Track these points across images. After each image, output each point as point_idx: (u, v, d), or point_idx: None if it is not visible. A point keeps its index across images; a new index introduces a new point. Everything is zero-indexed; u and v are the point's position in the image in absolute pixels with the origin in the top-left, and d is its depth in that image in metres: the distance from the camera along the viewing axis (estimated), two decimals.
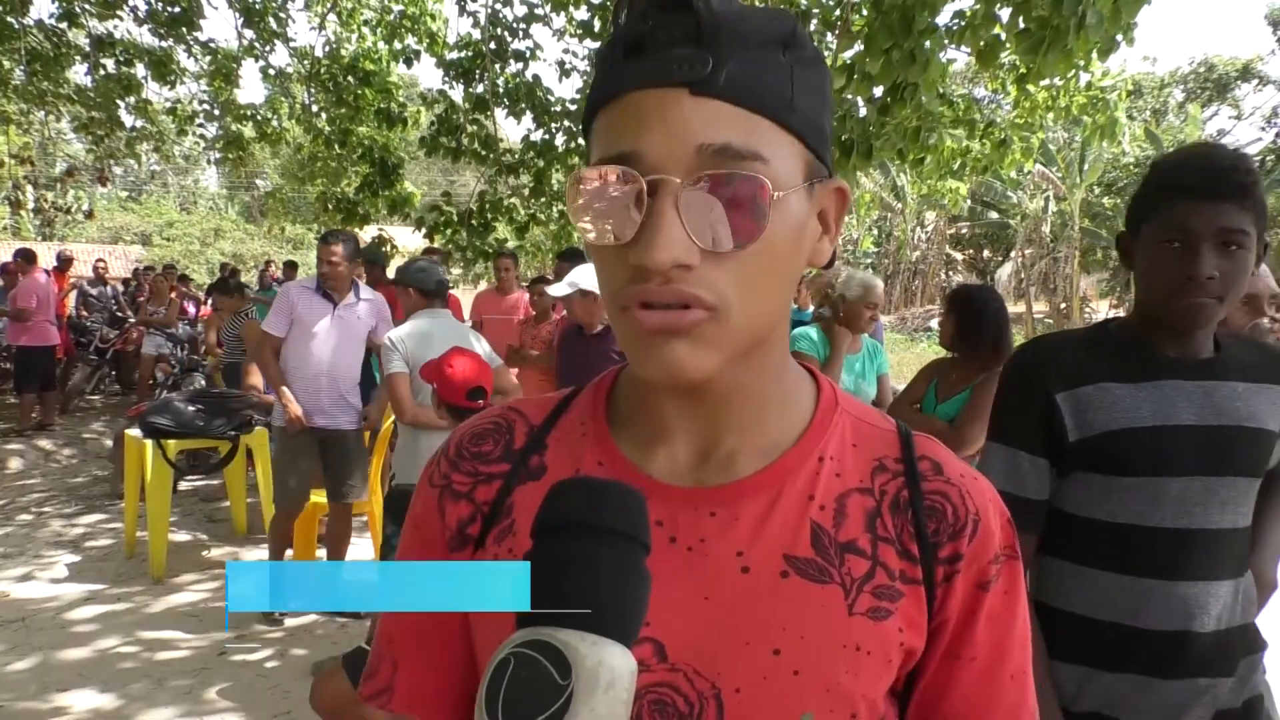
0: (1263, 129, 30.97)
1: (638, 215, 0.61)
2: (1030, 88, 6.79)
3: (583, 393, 0.82)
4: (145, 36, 9.22)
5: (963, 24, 4.89)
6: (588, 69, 8.92)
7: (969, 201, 24.73)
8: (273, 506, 5.35)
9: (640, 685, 0.67)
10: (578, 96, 8.92)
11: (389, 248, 9.24)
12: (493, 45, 8.49)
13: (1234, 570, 1.50)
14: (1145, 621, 1.47)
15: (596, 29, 8.42)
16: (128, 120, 10.07)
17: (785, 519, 0.70)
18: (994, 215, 27.05)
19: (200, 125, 10.61)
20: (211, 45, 9.44)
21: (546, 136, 8.86)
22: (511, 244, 9.34)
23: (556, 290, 4.28)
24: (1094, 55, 3.94)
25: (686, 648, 0.68)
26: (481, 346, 4.00)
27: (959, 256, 32.28)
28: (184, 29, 8.75)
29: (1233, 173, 1.42)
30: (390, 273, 5.52)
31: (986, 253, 30.95)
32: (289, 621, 4.35)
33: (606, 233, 0.63)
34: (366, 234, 9.76)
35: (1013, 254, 27.71)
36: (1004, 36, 4.25)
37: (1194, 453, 1.46)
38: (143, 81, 9.40)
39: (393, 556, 3.31)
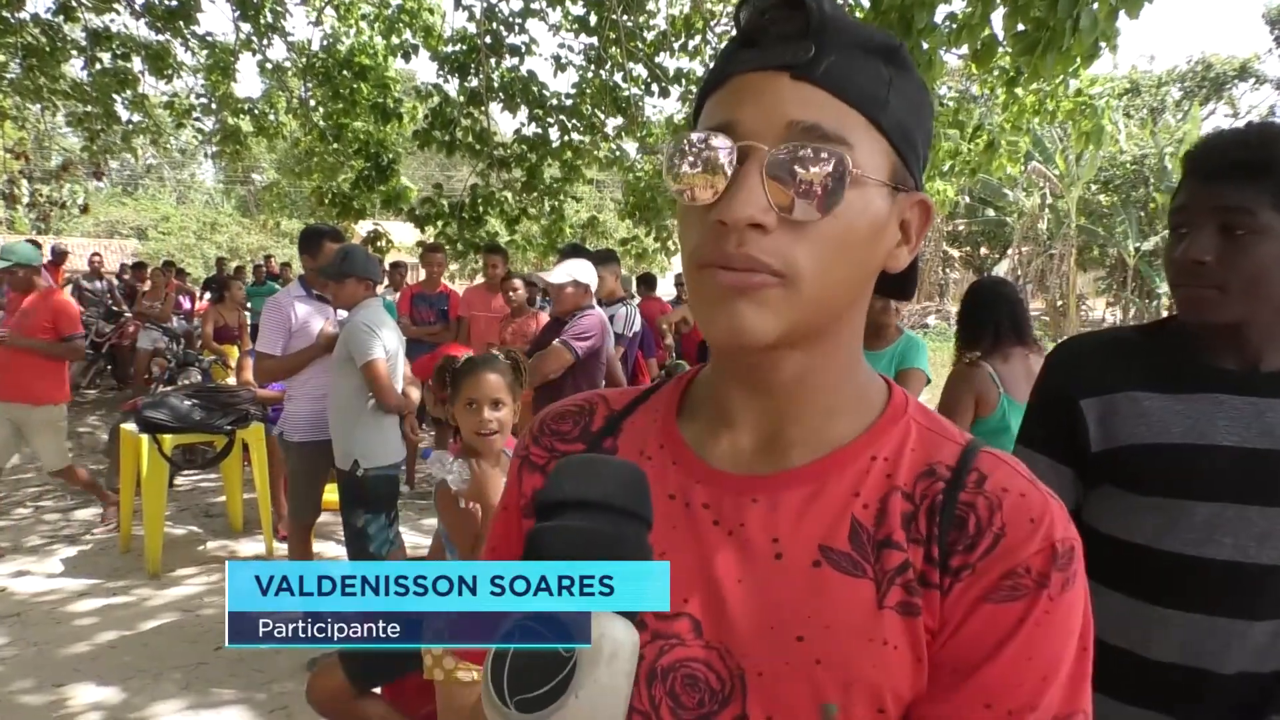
0: None
1: (725, 178, 0.66)
2: (1019, 91, 6.79)
3: (665, 384, 0.86)
4: (142, 30, 9.20)
5: (954, 26, 4.89)
6: (583, 63, 8.93)
7: (966, 199, 24.81)
8: (269, 505, 5.39)
9: (674, 658, 0.69)
10: (573, 91, 8.92)
11: (384, 242, 9.23)
12: (488, 39, 8.48)
13: (1277, 610, 1.31)
14: (1156, 653, 1.34)
15: (592, 23, 8.42)
16: (124, 114, 10.05)
17: (826, 511, 0.71)
18: (991, 213, 27.06)
19: (197, 119, 10.59)
20: (209, 39, 9.42)
21: (540, 131, 8.87)
22: (503, 238, 9.34)
23: (553, 277, 4.33)
24: (1078, 61, 3.91)
25: (721, 627, 0.70)
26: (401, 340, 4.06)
27: (956, 254, 32.28)
28: (181, 23, 8.72)
29: (1238, 148, 1.26)
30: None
31: (984, 250, 30.96)
32: None
33: (694, 192, 0.68)
34: (361, 229, 9.77)
35: (1009, 251, 27.74)
36: (1001, 37, 4.25)
37: (1228, 477, 1.29)
38: (139, 75, 9.38)
39: (366, 547, 3.30)
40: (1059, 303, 24.57)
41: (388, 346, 3.75)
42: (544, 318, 6.14)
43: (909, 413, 0.77)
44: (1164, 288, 23.87)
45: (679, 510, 0.74)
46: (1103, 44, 3.63)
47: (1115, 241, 24.12)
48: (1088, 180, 23.66)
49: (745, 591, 0.70)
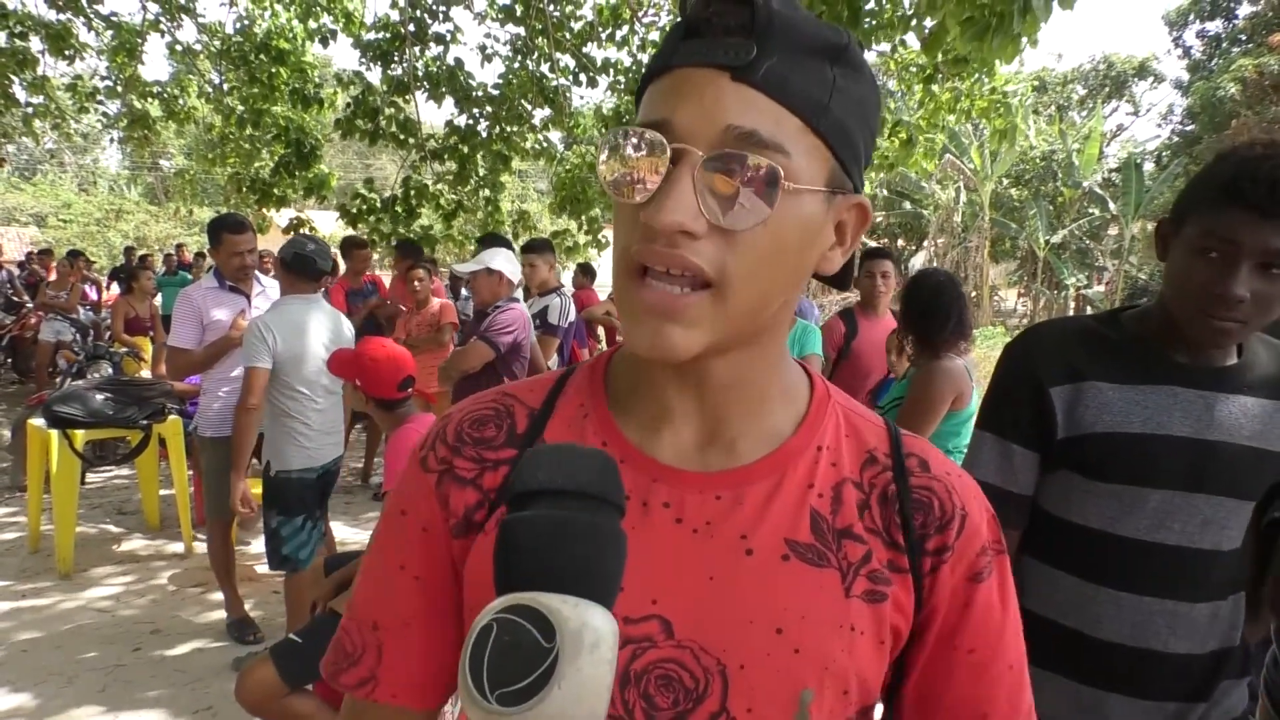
0: (1159, 125, 32.51)
1: (657, 179, 0.64)
2: (935, 88, 6.94)
3: (576, 373, 0.84)
4: (41, 8, 8.76)
5: (876, 22, 4.97)
6: (509, 54, 8.82)
7: (885, 192, 25.35)
8: (187, 502, 5.23)
9: (647, 661, 0.69)
10: (500, 81, 8.82)
11: (307, 230, 8.96)
12: (412, 27, 8.32)
13: (1214, 593, 1.41)
14: (1106, 633, 1.42)
15: (519, 13, 8.33)
16: (22, 97, 9.54)
17: (787, 505, 0.74)
18: (908, 206, 27.69)
19: (101, 102, 10.14)
20: (113, 19, 9.02)
21: (470, 122, 8.74)
22: (439, 232, 9.20)
23: (464, 267, 4.37)
24: (1024, 44, 3.97)
25: (693, 625, 0.70)
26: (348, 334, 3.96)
27: (874, 245, 32.90)
28: (83, 1, 8.33)
29: None
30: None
31: (901, 242, 31.68)
32: (207, 616, 4.27)
33: (626, 190, 0.67)
34: (283, 217, 9.48)
35: (926, 243, 28.42)
36: (949, 23, 4.25)
37: (1179, 466, 1.37)
38: (39, 56, 8.93)
39: (278, 548, 3.30)
40: (973, 293, 25.31)
41: (281, 352, 3.59)
42: (447, 306, 6.16)
43: (832, 397, 0.81)
44: (1071, 279, 24.95)
45: (636, 509, 0.73)
46: (1024, 38, 3.72)
47: (1026, 234, 25.00)
48: (1000, 174, 24.42)
49: (719, 588, 0.71)
